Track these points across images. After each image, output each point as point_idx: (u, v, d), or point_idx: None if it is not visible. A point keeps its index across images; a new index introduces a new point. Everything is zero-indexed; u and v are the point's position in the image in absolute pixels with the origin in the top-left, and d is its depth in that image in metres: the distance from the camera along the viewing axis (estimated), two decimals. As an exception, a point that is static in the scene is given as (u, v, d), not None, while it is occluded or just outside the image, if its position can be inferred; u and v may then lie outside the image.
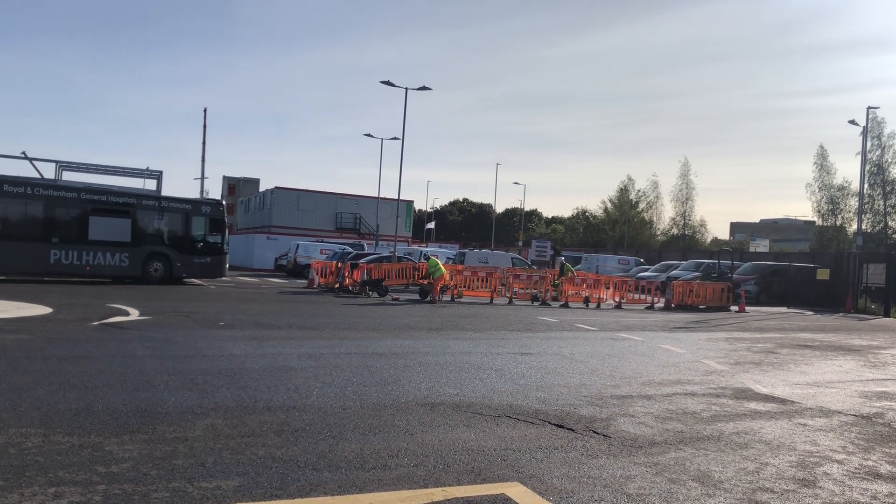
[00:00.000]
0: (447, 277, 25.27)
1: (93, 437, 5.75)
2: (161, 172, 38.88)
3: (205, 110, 52.96)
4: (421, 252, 39.45)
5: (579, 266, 45.65)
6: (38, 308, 15.21)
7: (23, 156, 34.73)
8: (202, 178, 54.20)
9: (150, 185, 38.97)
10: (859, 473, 5.96)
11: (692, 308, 27.41)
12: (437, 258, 25.88)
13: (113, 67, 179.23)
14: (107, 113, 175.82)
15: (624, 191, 75.43)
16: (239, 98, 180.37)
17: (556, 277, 27.74)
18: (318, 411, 7.07)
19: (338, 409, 7.20)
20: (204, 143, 52.89)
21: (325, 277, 27.88)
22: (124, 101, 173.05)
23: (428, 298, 24.38)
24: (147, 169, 39.52)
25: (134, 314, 15.06)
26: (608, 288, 28.02)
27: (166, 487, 4.68)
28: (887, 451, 6.80)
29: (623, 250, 60.06)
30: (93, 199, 25.30)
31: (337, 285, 26.61)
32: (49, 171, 35.32)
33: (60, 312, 14.66)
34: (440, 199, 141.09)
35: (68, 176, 35.96)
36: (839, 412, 8.59)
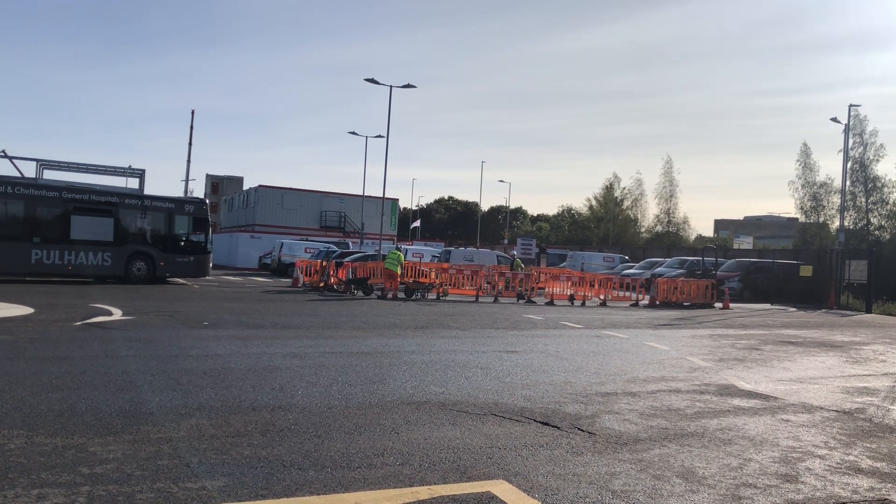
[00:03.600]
0: (398, 275, 24.57)
1: (76, 438, 5.71)
2: (143, 171, 38.48)
3: (192, 112, 52.70)
4: (407, 250, 39.44)
5: (564, 264, 45.79)
6: (20, 308, 15.07)
7: (2, 154, 34.31)
8: (187, 179, 53.95)
9: (133, 183, 38.58)
10: (841, 468, 6.02)
11: (676, 305, 27.56)
12: (400, 253, 25.54)
13: (95, 65, 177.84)
14: (88, 111, 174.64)
15: (609, 188, 75.74)
16: (222, 96, 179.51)
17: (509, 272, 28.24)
18: (303, 411, 7.05)
19: (323, 409, 7.18)
20: (190, 144, 52.56)
21: (310, 276, 27.79)
22: (106, 99, 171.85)
23: (388, 295, 24.36)
24: (129, 167, 39.11)
25: (117, 314, 14.95)
26: (593, 285, 28.13)
27: (151, 488, 4.65)
28: (868, 445, 6.87)
29: (608, 248, 60.27)
30: (74, 198, 25.11)
31: (322, 284, 26.54)
32: (30, 170, 34.88)
33: (42, 312, 14.53)
34: (425, 198, 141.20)
35: (49, 175, 35.54)
36: (821, 408, 8.67)
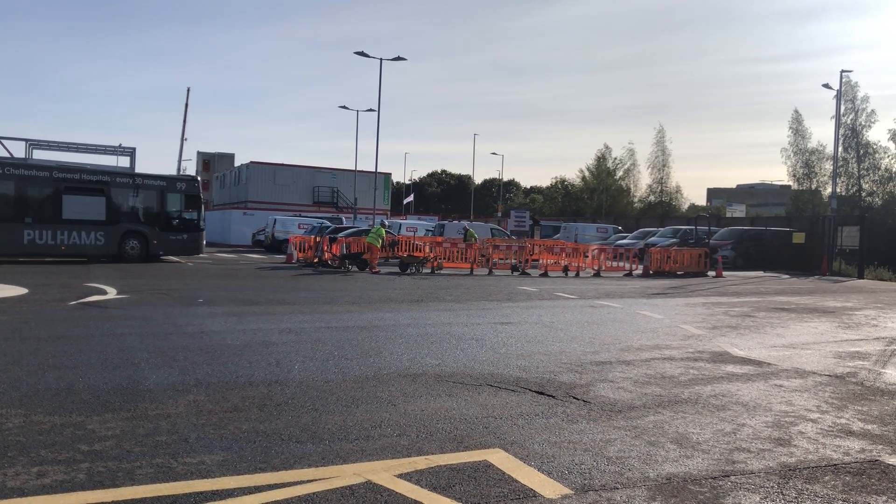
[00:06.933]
0: (378, 249, 24.84)
1: (74, 416, 5.74)
2: (134, 149, 38.44)
3: (188, 90, 52.43)
4: (401, 225, 39.40)
5: (558, 235, 45.85)
6: (14, 289, 15.04)
7: (-9, 135, 34.10)
8: (180, 157, 53.65)
9: (124, 162, 38.49)
10: (833, 431, 6.10)
11: (670, 274, 27.66)
12: (383, 228, 25.57)
13: (82, 43, 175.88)
14: (77, 90, 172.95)
15: (601, 159, 75.61)
16: (211, 72, 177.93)
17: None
18: (300, 385, 7.09)
19: (320, 383, 7.22)
20: (185, 122, 52.26)
21: (304, 252, 27.76)
22: (94, 77, 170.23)
23: (366, 269, 24.45)
24: (120, 146, 38.98)
25: (112, 293, 14.94)
26: (587, 256, 28.18)
27: (150, 464, 4.69)
28: (860, 409, 6.96)
29: (601, 218, 60.31)
30: (66, 177, 24.95)
31: (316, 260, 26.52)
32: (19, 150, 34.75)
33: (37, 293, 14.51)
34: (418, 171, 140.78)
35: (39, 154, 35.40)
36: (814, 373, 8.76)
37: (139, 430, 5.43)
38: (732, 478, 4.86)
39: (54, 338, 9.35)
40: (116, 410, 5.93)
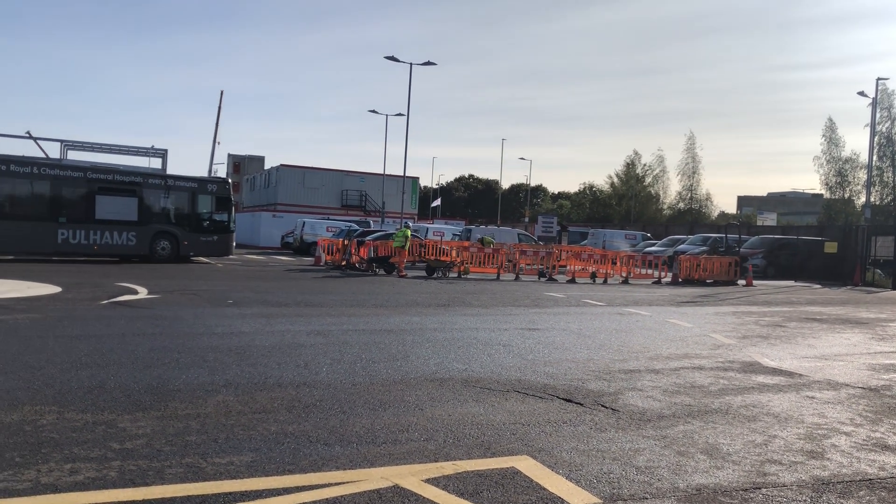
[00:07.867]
0: (406, 253, 24.90)
1: (106, 414, 5.81)
2: (166, 151, 38.88)
3: (221, 93, 52.99)
4: (428, 228, 39.46)
5: (585, 241, 45.62)
6: (48, 287, 15.29)
7: (27, 135, 34.74)
8: (212, 160, 54.27)
9: (156, 163, 38.97)
10: (867, 445, 5.98)
11: (699, 282, 27.38)
12: (407, 230, 25.67)
13: (116, 47, 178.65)
14: (110, 92, 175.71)
15: (630, 165, 75.31)
16: (243, 75, 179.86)
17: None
18: (328, 387, 7.12)
19: (348, 385, 7.24)
20: (217, 124, 52.91)
21: (332, 255, 27.93)
22: (128, 80, 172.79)
23: (393, 273, 24.49)
24: (152, 147, 39.48)
25: (143, 293, 15.13)
26: (615, 263, 27.99)
27: (180, 463, 4.73)
28: (895, 422, 6.82)
29: (630, 225, 59.97)
30: (99, 178, 25.36)
31: (344, 262, 26.67)
32: (54, 151, 35.32)
33: (70, 291, 14.73)
34: (446, 176, 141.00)
35: (73, 155, 35.96)
36: (847, 385, 8.60)
37: (169, 429, 5.48)
38: (764, 490, 4.79)
39: (86, 336, 9.48)
40: (147, 409, 6.00)
